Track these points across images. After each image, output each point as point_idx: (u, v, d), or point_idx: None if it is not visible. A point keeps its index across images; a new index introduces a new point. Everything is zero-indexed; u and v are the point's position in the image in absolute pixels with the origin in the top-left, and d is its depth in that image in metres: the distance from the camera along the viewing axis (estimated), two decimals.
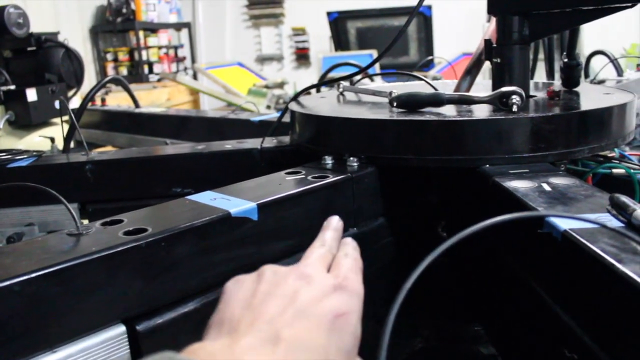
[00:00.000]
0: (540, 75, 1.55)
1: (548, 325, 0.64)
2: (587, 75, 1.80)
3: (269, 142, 1.13)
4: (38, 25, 2.65)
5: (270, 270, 0.53)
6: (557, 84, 1.23)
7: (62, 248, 0.58)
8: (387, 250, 0.93)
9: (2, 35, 2.42)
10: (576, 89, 1.14)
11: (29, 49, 2.66)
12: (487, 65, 1.13)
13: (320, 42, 6.30)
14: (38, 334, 0.53)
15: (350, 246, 0.62)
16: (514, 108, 0.88)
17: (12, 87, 2.44)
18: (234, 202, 0.71)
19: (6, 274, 0.51)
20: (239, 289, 0.52)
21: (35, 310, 0.52)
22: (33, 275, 0.51)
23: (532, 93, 1.07)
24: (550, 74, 1.53)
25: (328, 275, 0.54)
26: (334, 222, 0.66)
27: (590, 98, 1.04)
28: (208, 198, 0.73)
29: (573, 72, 1.14)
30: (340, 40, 5.25)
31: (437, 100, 0.96)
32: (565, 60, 1.13)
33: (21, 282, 0.51)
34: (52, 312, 0.53)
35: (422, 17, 4.94)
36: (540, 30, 1.00)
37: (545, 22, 0.98)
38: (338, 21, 5.17)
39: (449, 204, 0.99)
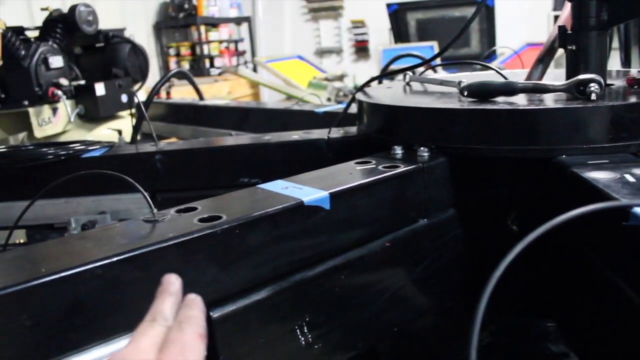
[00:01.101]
0: (613, 65, 1.49)
1: (635, 324, 0.61)
2: None
3: (336, 132, 1.12)
4: (105, 22, 2.72)
5: None
6: (635, 72, 1.18)
7: (140, 234, 0.59)
8: (457, 242, 0.91)
9: (73, 32, 2.50)
10: None
11: (97, 45, 2.75)
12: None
13: (380, 35, 6.26)
14: (117, 316, 0.54)
15: (190, 307, 0.51)
16: (593, 96, 0.84)
17: (82, 82, 2.52)
18: (306, 191, 0.71)
19: (89, 257, 0.52)
20: None
21: (115, 293, 0.53)
22: (114, 259, 0.53)
23: (608, 82, 1.02)
24: (626, 63, 1.46)
25: None
26: (171, 286, 0.52)
27: None
28: (280, 187, 0.73)
29: None
30: (399, 33, 5.20)
31: (510, 89, 0.93)
32: None
33: (103, 266, 0.52)
34: (131, 295, 0.54)
35: (485, 8, 4.83)
36: (620, 14, 0.95)
37: (625, 5, 0.94)
38: (397, 13, 5.12)
39: (521, 196, 0.96)
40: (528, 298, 1.01)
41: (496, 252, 0.90)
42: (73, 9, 2.43)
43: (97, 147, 1.19)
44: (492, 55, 4.39)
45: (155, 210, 0.64)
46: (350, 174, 0.79)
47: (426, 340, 1.23)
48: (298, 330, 0.69)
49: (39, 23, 2.53)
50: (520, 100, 0.91)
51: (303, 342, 0.70)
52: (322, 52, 6.94)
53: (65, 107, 2.38)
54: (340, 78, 4.01)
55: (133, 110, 2.28)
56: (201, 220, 0.62)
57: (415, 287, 0.86)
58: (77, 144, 1.19)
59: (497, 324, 1.17)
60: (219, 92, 4.58)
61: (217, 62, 6.13)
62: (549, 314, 1.00)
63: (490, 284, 0.43)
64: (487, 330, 1.17)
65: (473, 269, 0.92)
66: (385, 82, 1.66)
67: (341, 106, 1.59)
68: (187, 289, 0.59)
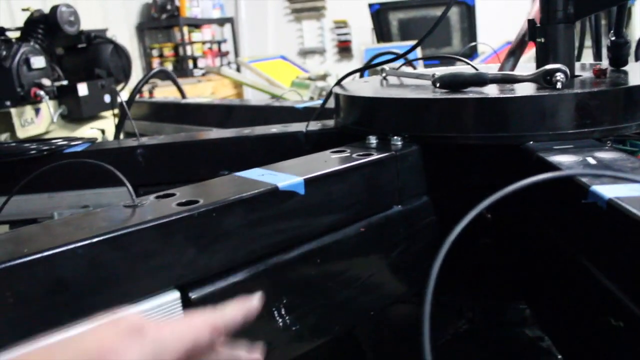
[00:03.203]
0: (587, 61, 1.52)
1: (594, 296, 0.64)
2: (637, 58, 1.75)
3: (314, 125, 1.15)
4: (87, 23, 2.73)
5: None
6: (605, 64, 1.21)
7: (120, 218, 0.61)
8: (431, 228, 0.94)
9: (55, 33, 2.50)
10: (624, 68, 1.12)
11: (80, 45, 2.75)
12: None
13: (362, 35, 6.29)
14: (99, 295, 0.56)
15: None
16: (558, 85, 0.87)
17: (65, 82, 2.53)
18: (282, 177, 0.73)
19: (70, 239, 0.54)
20: None
21: (97, 273, 0.55)
22: (95, 239, 0.55)
23: (578, 74, 1.06)
24: (597, 56, 1.50)
25: None
26: None
27: (638, 76, 1.02)
28: (256, 174, 0.76)
29: (621, 51, 1.11)
30: (382, 32, 5.23)
31: (480, 79, 0.96)
32: (613, 38, 1.10)
33: (84, 246, 0.54)
34: (112, 275, 0.56)
35: (465, 7, 4.88)
36: (586, 7, 0.99)
37: None
38: (380, 13, 5.15)
39: (492, 183, 0.99)
40: (507, 283, 1.04)
41: (470, 239, 0.93)
42: (54, 9, 2.44)
43: (79, 142, 1.21)
44: (473, 54, 4.43)
45: (135, 197, 0.67)
46: (325, 162, 0.81)
47: (404, 328, 1.26)
48: (276, 312, 0.72)
49: (20, 24, 2.53)
50: (490, 90, 0.94)
51: (281, 324, 0.72)
52: (305, 53, 6.96)
53: (48, 107, 2.39)
54: (323, 77, 4.03)
55: (116, 111, 2.29)
56: (179, 204, 0.64)
57: (390, 273, 0.89)
58: (60, 140, 1.21)
59: (473, 311, 1.20)
60: (202, 92, 4.59)
61: (201, 62, 6.14)
62: (523, 297, 1.03)
63: (437, 263, 0.45)
64: (464, 317, 1.21)
65: (447, 256, 0.95)
66: (365, 77, 1.68)
67: (321, 102, 1.62)
68: (167, 269, 0.61)
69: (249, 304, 0.55)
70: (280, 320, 0.72)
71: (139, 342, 0.44)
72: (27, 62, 2.30)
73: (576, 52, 1.13)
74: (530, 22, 1.05)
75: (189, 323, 0.49)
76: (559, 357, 1.07)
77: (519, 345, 1.16)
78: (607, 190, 0.58)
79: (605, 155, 0.74)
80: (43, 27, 2.47)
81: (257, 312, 0.56)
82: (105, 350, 0.42)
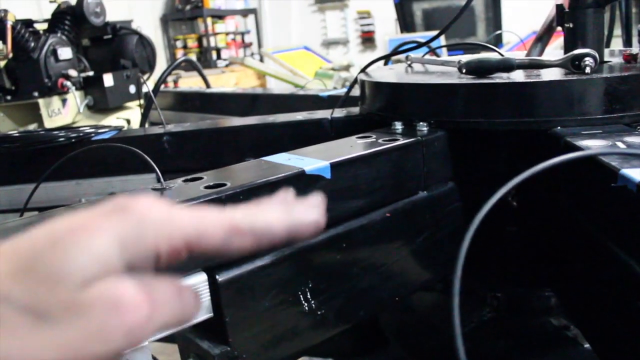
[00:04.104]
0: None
1: (623, 282, 0.64)
2: None
3: (339, 112, 1.15)
4: (112, 15, 2.76)
5: None
6: (635, 49, 1.19)
7: None
8: (457, 214, 0.93)
9: (81, 24, 2.54)
10: None
11: (105, 37, 2.79)
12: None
13: (386, 25, 6.27)
14: None
15: None
16: (587, 70, 0.86)
17: (91, 73, 2.56)
18: (308, 161, 0.74)
19: None
20: None
21: None
22: None
23: (607, 59, 1.04)
24: (627, 44, 1.48)
25: None
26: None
27: None
28: (283, 159, 0.76)
29: None
30: (406, 23, 5.20)
31: (507, 65, 0.95)
32: None
33: None
34: None
35: None
36: None
37: None
38: (403, 3, 5.12)
39: (518, 170, 0.98)
40: (528, 270, 1.04)
41: (496, 227, 0.92)
42: (81, 1, 2.46)
43: (107, 130, 1.23)
44: (498, 44, 4.39)
45: (162, 180, 0.67)
46: (351, 147, 0.82)
47: (428, 316, 1.26)
48: (302, 296, 0.72)
49: (47, 16, 2.57)
50: (517, 76, 0.93)
51: (307, 308, 0.73)
52: (328, 43, 6.95)
53: (75, 98, 2.42)
54: (347, 68, 4.02)
55: (142, 101, 2.32)
56: (207, 187, 0.65)
57: (415, 259, 0.89)
58: (88, 127, 1.23)
59: (498, 300, 1.19)
60: (226, 83, 4.62)
61: (224, 53, 6.17)
62: (549, 285, 1.02)
63: (466, 239, 0.45)
64: (489, 305, 1.20)
65: (472, 244, 0.95)
66: (390, 65, 1.68)
67: (345, 90, 1.62)
68: None
69: (305, 214, 0.44)
70: (305, 304, 0.72)
71: (119, 219, 0.36)
72: (54, 53, 2.34)
73: (605, 40, 1.11)
74: (559, 6, 1.03)
75: (199, 214, 0.40)
76: (586, 345, 1.07)
77: (545, 334, 1.15)
78: (638, 173, 0.57)
79: (635, 139, 0.73)
80: (70, 19, 2.50)
81: (317, 229, 0.45)
82: (75, 228, 0.35)
